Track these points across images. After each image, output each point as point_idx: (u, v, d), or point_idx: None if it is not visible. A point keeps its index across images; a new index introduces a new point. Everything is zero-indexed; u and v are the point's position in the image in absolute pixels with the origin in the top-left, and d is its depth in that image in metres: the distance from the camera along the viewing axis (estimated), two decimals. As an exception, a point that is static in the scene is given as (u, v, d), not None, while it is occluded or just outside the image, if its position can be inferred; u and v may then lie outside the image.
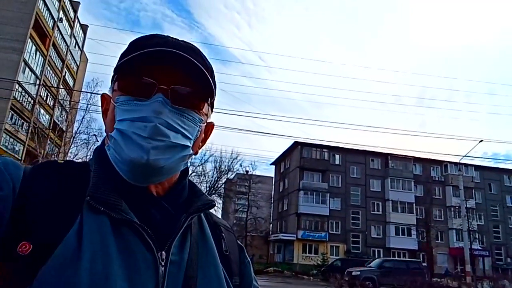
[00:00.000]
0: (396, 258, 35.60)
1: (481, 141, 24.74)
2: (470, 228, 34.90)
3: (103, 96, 0.79)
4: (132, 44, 0.73)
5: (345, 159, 45.56)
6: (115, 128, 0.69)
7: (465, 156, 27.18)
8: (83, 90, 33.51)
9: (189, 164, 0.80)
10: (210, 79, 0.72)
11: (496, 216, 47.31)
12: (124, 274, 0.60)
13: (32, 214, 0.60)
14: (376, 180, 45.79)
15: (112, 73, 0.75)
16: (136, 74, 0.69)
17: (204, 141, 0.82)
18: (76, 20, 44.55)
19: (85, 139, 28.00)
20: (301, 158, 44.38)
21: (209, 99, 0.77)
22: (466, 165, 44.19)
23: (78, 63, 46.74)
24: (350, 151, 43.97)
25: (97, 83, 29.31)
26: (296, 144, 44.41)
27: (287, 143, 52.92)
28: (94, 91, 27.83)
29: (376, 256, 40.94)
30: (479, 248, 42.10)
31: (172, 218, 0.72)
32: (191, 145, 0.73)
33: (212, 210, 0.86)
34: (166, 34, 0.75)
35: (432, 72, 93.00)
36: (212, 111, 0.81)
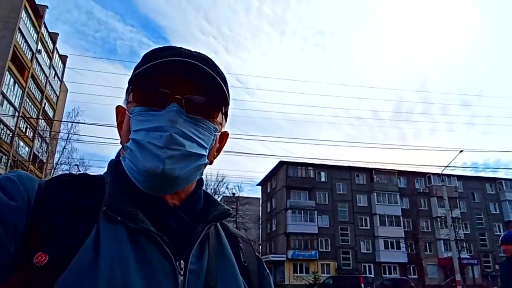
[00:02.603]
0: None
1: (461, 151, 25.29)
2: (457, 238, 35.29)
3: (118, 108, 0.79)
4: (146, 56, 0.73)
5: (330, 175, 45.84)
6: (131, 138, 0.69)
7: (447, 166, 27.67)
8: (63, 120, 33.17)
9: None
10: (224, 88, 0.72)
11: (481, 224, 47.97)
12: (143, 283, 0.60)
13: (48, 225, 0.61)
14: (362, 195, 46.07)
15: (126, 85, 0.75)
16: (151, 85, 0.69)
17: (219, 150, 0.82)
18: (55, 51, 44.44)
19: (66, 170, 27.53)
20: (287, 177, 44.44)
21: (223, 108, 0.77)
22: (449, 175, 44.99)
23: (57, 93, 46.34)
24: (335, 167, 44.33)
25: (78, 113, 29.16)
26: (281, 163, 44.54)
27: (272, 163, 53.12)
28: (75, 121, 27.63)
29: (367, 272, 40.82)
30: (468, 256, 42.43)
31: (189, 227, 0.71)
32: (206, 154, 0.73)
33: None
34: (179, 46, 0.75)
35: (406, 86, 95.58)
36: (226, 121, 0.81)
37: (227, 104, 0.76)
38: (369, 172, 46.24)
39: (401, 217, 44.52)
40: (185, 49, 0.75)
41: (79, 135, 28.34)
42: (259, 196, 57.01)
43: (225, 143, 0.84)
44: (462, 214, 46.03)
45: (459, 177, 48.36)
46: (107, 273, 0.57)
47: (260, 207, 56.29)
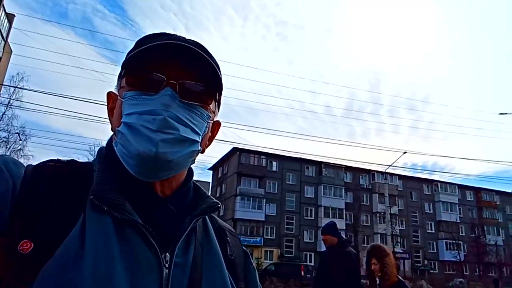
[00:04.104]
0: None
1: (405, 152, 26.75)
2: (393, 233, 37.51)
3: (109, 94, 0.77)
4: (139, 42, 0.71)
5: (282, 166, 46.69)
6: (123, 122, 0.67)
7: (390, 166, 29.20)
8: (5, 84, 30.80)
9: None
10: (219, 75, 0.71)
11: (415, 222, 51.42)
12: (127, 275, 0.58)
13: (33, 213, 0.59)
14: (310, 186, 47.47)
15: (119, 70, 0.73)
16: (144, 69, 0.67)
17: (211, 139, 0.80)
18: (1, 8, 40.86)
19: (4, 137, 25.68)
20: (239, 164, 44.65)
21: (216, 95, 0.75)
22: (391, 174, 47.50)
23: (0, 54, 42.82)
24: (286, 158, 45.19)
25: (22, 78, 27.14)
26: (234, 150, 44.58)
27: (225, 149, 53.06)
28: (19, 86, 25.71)
29: (308, 260, 42.40)
30: (401, 251, 45.32)
31: (177, 220, 0.70)
32: (199, 141, 0.71)
33: None
34: (173, 33, 0.73)
35: (359, 85, 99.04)
36: (219, 109, 0.80)
37: (220, 91, 0.74)
38: (318, 165, 47.64)
39: (344, 210, 46.53)
40: (179, 35, 0.72)
41: (21, 101, 26.33)
42: (209, 180, 56.97)
43: (217, 132, 0.82)
44: (399, 211, 49.00)
45: (400, 177, 51.28)
46: (91, 264, 0.56)
47: (210, 191, 56.20)
